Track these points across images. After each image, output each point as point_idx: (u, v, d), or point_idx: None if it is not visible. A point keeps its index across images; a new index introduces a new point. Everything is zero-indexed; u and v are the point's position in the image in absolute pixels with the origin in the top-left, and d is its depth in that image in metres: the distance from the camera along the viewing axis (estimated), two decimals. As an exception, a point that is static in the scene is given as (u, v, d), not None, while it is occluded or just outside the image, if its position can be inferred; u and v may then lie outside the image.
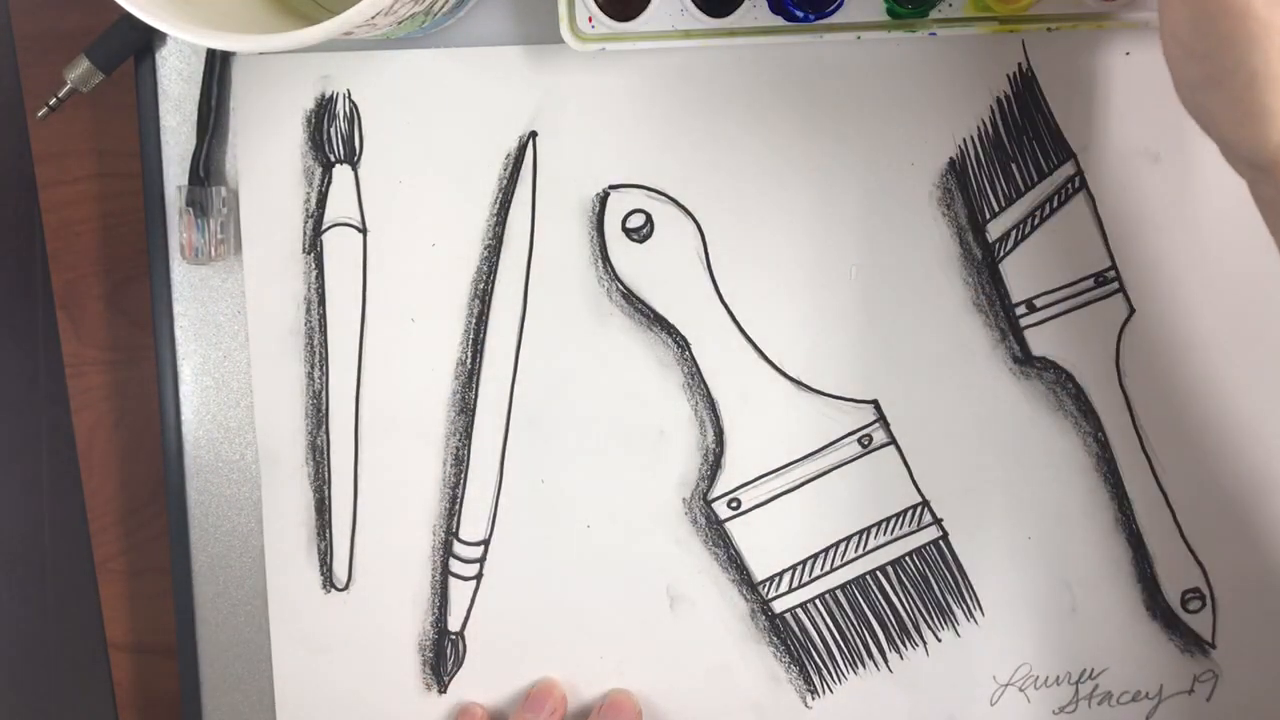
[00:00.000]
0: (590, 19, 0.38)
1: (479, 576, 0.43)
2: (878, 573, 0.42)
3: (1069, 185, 0.40)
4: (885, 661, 0.43)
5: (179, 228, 0.42)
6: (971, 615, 0.42)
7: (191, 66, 0.42)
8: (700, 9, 0.38)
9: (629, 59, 0.41)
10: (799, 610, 0.43)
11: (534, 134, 0.41)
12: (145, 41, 0.42)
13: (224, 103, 0.42)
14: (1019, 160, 0.40)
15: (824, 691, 0.43)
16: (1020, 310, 0.41)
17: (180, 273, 0.43)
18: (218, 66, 0.41)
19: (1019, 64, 0.40)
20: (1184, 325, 0.41)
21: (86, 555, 0.47)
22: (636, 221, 0.42)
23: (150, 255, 0.43)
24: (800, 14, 0.38)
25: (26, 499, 0.46)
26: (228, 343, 0.43)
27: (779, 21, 0.38)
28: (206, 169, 0.42)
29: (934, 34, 0.38)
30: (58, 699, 0.47)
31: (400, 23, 0.35)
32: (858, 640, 0.43)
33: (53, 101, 0.42)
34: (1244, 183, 0.32)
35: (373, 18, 0.31)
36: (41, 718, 0.46)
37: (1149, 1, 0.37)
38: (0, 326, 0.45)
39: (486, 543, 0.43)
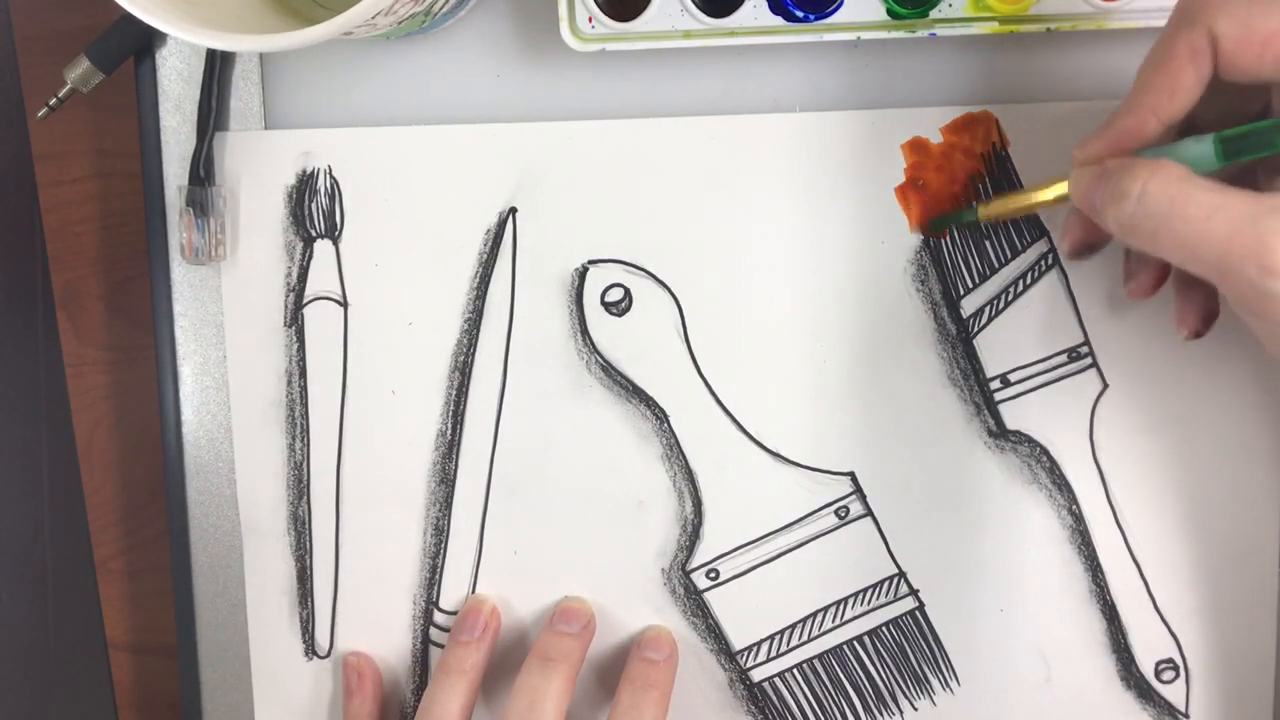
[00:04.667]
0: (590, 19, 0.38)
1: (459, 645, 0.43)
2: (855, 643, 0.43)
3: (1042, 262, 0.41)
4: (862, 730, 0.43)
5: (179, 228, 0.42)
6: (948, 685, 0.43)
7: (191, 66, 0.42)
8: (700, 9, 0.38)
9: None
10: (777, 679, 0.43)
11: (513, 210, 0.42)
12: (145, 41, 0.42)
13: (224, 102, 0.42)
14: (993, 238, 0.41)
15: (802, 760, 0.43)
16: (995, 385, 0.41)
17: (180, 273, 0.43)
18: (218, 66, 0.42)
19: (993, 143, 0.40)
20: (1156, 399, 0.41)
21: (86, 555, 0.47)
22: (615, 295, 0.42)
23: (150, 255, 0.43)
24: (800, 14, 0.38)
25: (26, 499, 0.46)
26: (228, 343, 0.43)
27: (779, 22, 0.38)
28: (206, 169, 0.42)
29: (934, 34, 0.38)
30: (58, 699, 0.47)
31: (400, 23, 0.35)
32: (835, 709, 0.43)
33: (53, 101, 0.41)
34: None
35: (373, 18, 0.32)
36: (41, 718, 0.47)
37: (1149, 2, 0.38)
38: (0, 326, 0.45)
39: (467, 612, 0.43)
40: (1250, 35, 0.30)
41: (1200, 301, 0.37)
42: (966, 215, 0.40)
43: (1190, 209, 0.30)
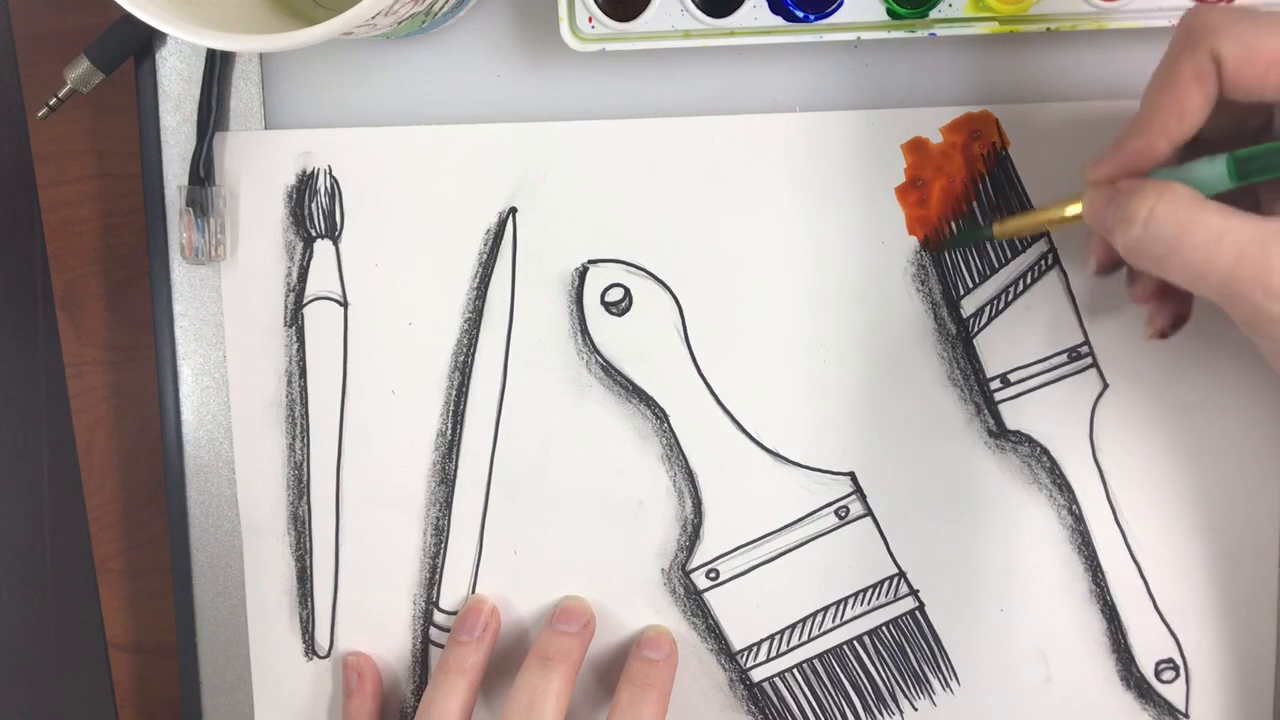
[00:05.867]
0: (590, 19, 0.38)
1: (459, 645, 0.43)
2: (855, 643, 0.43)
3: (1042, 262, 0.41)
4: (862, 730, 0.43)
5: (179, 228, 0.42)
6: (948, 685, 0.43)
7: (191, 66, 0.42)
8: (700, 9, 0.38)
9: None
10: (777, 679, 0.43)
11: (513, 210, 0.42)
12: (145, 41, 0.42)
13: (224, 102, 0.42)
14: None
15: (802, 760, 0.43)
16: (995, 385, 0.41)
17: (180, 273, 0.43)
18: (218, 66, 0.42)
19: (993, 142, 0.40)
20: (1156, 399, 0.41)
21: (86, 555, 0.47)
22: (615, 295, 0.42)
23: (150, 255, 0.43)
24: (800, 14, 0.38)
25: (26, 499, 0.46)
26: (228, 343, 0.43)
27: (779, 22, 0.38)
28: (206, 169, 0.42)
29: (934, 34, 0.38)
30: (58, 699, 0.47)
31: (400, 23, 0.35)
32: (835, 709, 0.43)
33: (53, 101, 0.42)
34: None
35: (373, 18, 0.32)
36: (41, 718, 0.47)
37: (1149, 2, 0.37)
38: (0, 326, 0.45)
39: (467, 612, 0.43)
40: (1253, 56, 0.30)
41: (1176, 303, 0.37)
42: (980, 233, 0.40)
43: (1198, 233, 0.30)
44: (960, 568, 0.42)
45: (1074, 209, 0.36)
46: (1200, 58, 0.31)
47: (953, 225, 0.40)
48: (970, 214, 0.41)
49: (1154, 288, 0.37)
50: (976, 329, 0.41)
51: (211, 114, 0.42)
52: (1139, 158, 0.33)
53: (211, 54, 0.42)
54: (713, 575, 0.43)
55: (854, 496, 0.42)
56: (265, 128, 0.42)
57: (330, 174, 0.42)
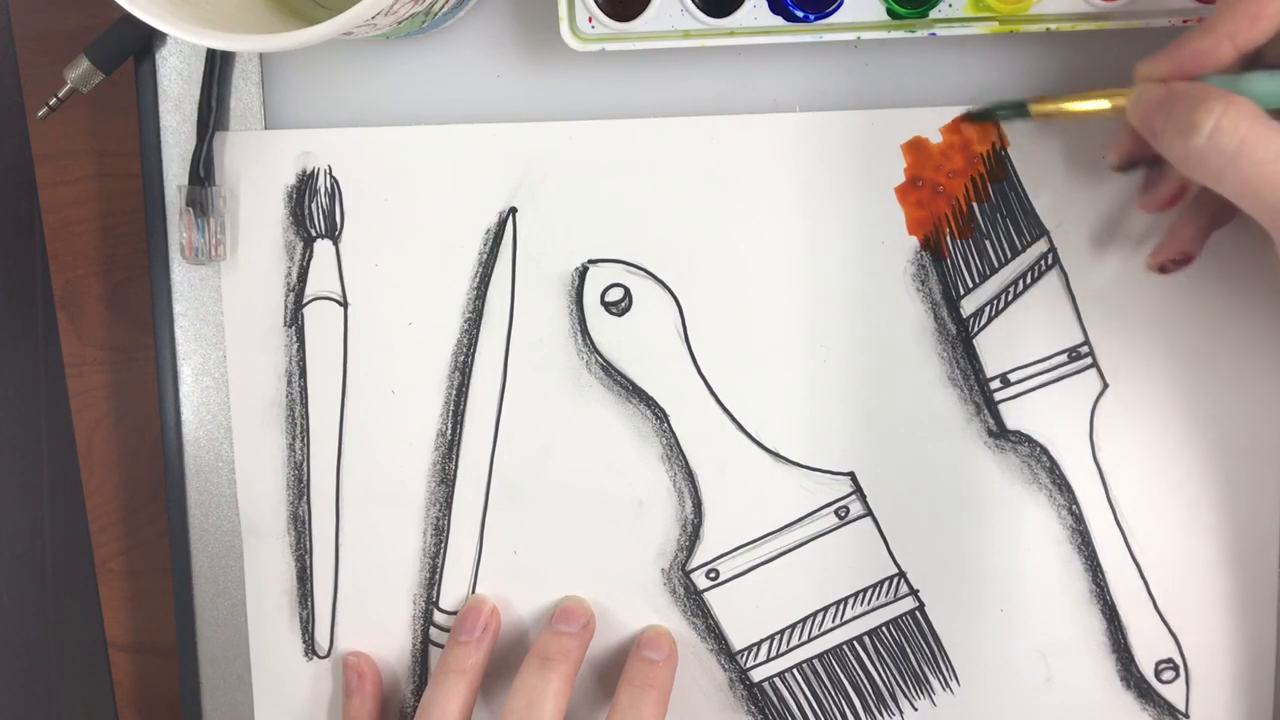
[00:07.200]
0: (590, 19, 0.38)
1: (459, 645, 0.43)
2: (855, 643, 0.43)
3: (1042, 262, 0.41)
4: (862, 730, 0.43)
5: (179, 228, 0.42)
6: (948, 685, 0.43)
7: (191, 66, 0.42)
8: (700, 9, 0.38)
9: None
10: (777, 679, 0.43)
11: (514, 210, 0.42)
12: (145, 41, 0.42)
13: (224, 102, 0.42)
14: (992, 238, 0.41)
15: (802, 760, 0.43)
16: (995, 385, 0.41)
17: (180, 273, 0.43)
18: (218, 66, 0.42)
19: (993, 143, 0.40)
20: (1156, 399, 0.41)
21: (86, 555, 0.47)
22: (615, 295, 0.42)
23: (150, 255, 0.43)
24: (800, 14, 0.38)
25: (26, 499, 0.46)
26: (228, 343, 0.43)
27: (779, 22, 0.38)
28: (206, 169, 0.42)
29: (934, 34, 0.38)
30: (58, 699, 0.47)
31: (400, 23, 0.35)
32: (835, 710, 0.43)
33: (53, 101, 0.42)
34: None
35: (373, 18, 0.32)
36: (41, 718, 0.47)
37: (1149, 2, 0.37)
38: (0, 326, 0.45)
39: (467, 612, 0.43)
40: None
41: (1186, 240, 0.37)
42: (1018, 109, 0.39)
43: (1258, 150, 0.30)
44: (960, 568, 0.42)
45: (1116, 101, 0.36)
46: None
47: (991, 105, 0.40)
48: (970, 214, 0.41)
49: (1168, 197, 0.37)
50: (976, 329, 0.41)
51: (211, 114, 0.42)
52: (1199, 60, 0.32)
53: (211, 54, 0.42)
54: (713, 575, 0.43)
55: (854, 496, 0.42)
56: (265, 128, 0.42)
57: (330, 174, 0.42)
